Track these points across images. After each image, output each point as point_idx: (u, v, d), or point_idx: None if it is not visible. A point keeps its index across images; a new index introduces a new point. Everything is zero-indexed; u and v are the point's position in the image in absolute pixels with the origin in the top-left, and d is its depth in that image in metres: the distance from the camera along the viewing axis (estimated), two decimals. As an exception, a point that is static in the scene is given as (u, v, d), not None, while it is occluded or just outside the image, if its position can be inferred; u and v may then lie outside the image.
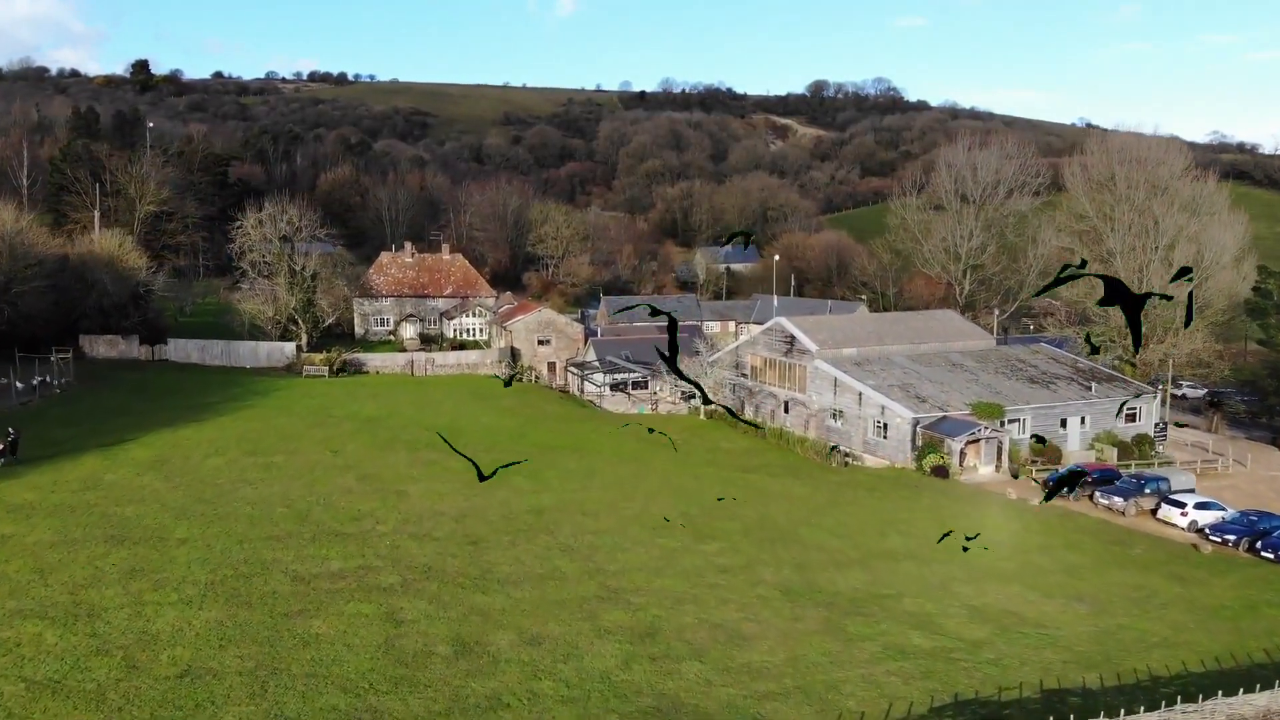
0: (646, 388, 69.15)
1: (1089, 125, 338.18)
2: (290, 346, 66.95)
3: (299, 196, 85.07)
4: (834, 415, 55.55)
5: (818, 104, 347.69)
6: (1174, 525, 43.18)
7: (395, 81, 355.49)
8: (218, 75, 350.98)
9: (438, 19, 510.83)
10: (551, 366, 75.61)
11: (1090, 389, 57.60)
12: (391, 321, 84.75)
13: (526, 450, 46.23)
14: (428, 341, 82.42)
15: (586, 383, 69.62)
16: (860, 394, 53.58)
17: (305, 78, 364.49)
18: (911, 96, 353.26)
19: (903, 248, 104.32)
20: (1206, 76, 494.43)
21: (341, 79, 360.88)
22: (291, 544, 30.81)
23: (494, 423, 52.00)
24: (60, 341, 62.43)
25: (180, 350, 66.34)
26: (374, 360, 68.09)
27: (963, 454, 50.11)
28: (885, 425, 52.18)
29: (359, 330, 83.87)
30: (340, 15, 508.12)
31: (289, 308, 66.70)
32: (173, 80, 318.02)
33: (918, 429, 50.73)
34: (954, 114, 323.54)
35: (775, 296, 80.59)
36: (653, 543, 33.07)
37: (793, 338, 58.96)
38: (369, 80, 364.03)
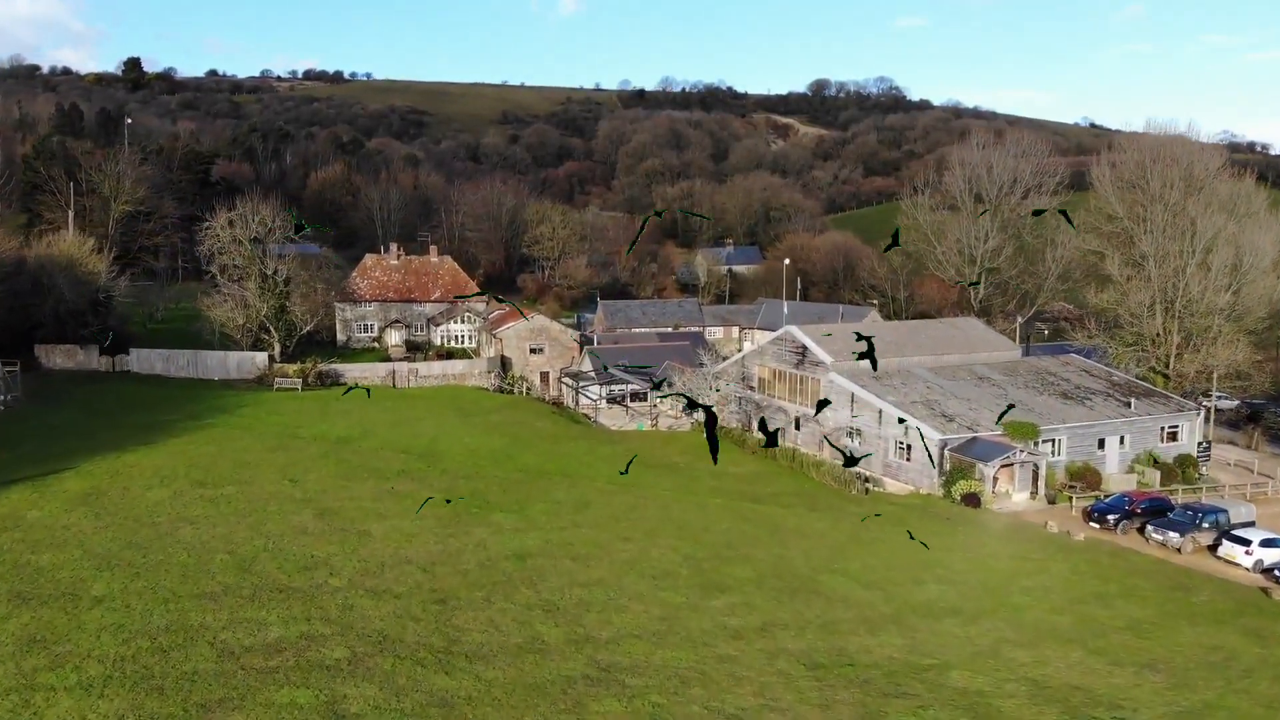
0: (645, 399, 64.39)
1: (1093, 125, 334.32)
2: (261, 357, 62.11)
3: (273, 195, 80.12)
4: (851, 434, 50.78)
5: (819, 103, 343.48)
6: (1237, 565, 38.42)
7: (392, 80, 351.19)
8: (212, 73, 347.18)
9: (438, 18, 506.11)
10: (545, 376, 70.83)
11: (1130, 405, 52.83)
12: (375, 328, 79.94)
13: (513, 476, 41.44)
14: (414, 349, 77.63)
15: (581, 395, 64.85)
16: (880, 411, 48.79)
17: (301, 76, 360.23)
18: (914, 96, 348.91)
19: (914, 249, 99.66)
20: (1207, 77, 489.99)
21: (338, 77, 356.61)
22: (226, 603, 26.06)
23: (478, 443, 47.19)
24: (16, 352, 57.74)
25: (143, 361, 61.50)
26: (352, 371, 63.26)
27: (994, 479, 45.34)
28: (909, 446, 47.39)
29: (341, 337, 79.07)
30: (341, 15, 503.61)
31: (260, 315, 61.81)
32: (165, 78, 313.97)
33: (945, 451, 45.93)
34: (957, 113, 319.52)
35: (785, 302, 75.76)
36: (653, 597, 28.29)
37: (804, 348, 54.21)
38: (365, 79, 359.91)
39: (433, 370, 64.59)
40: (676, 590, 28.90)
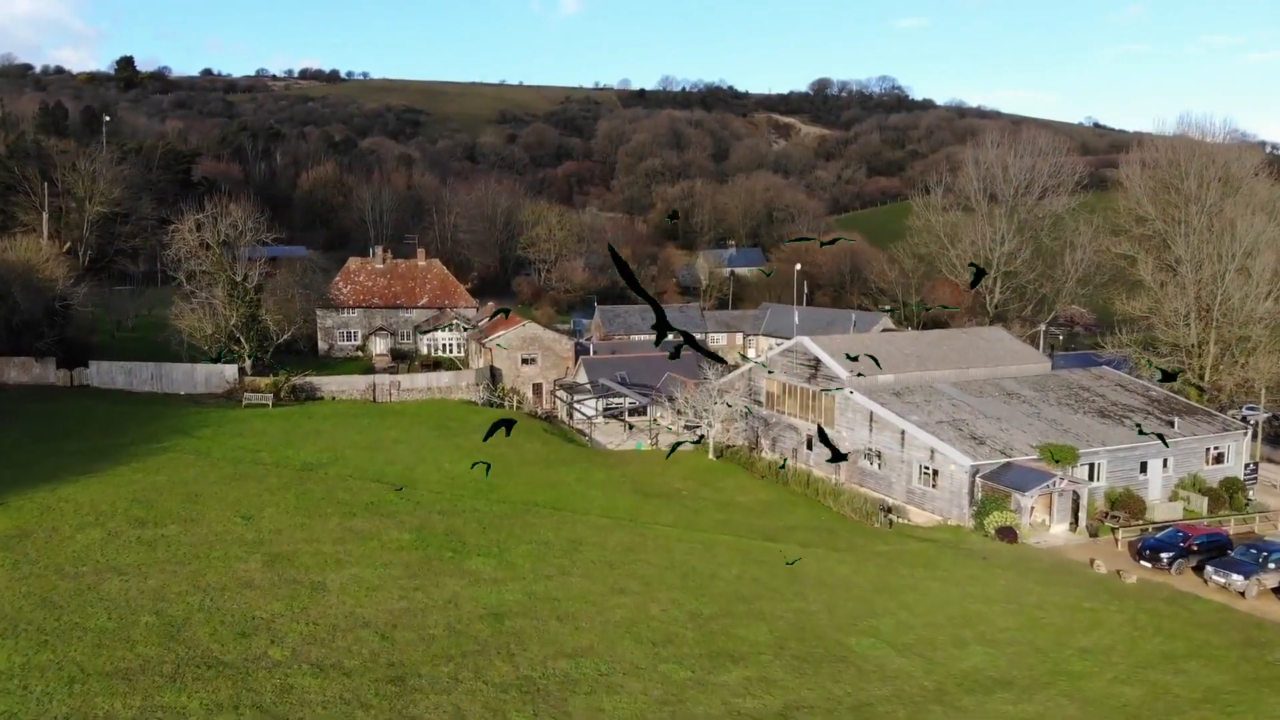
0: (645, 414, 59.95)
1: (1097, 125, 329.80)
2: (231, 369, 57.64)
3: (245, 195, 75.57)
4: (869, 457, 46.33)
5: (821, 102, 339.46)
6: (1313, 611, 33.95)
7: (389, 80, 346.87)
8: (206, 73, 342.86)
9: (437, 17, 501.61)
10: (537, 389, 66.41)
11: (1173, 425, 48.36)
12: (359, 336, 75.49)
13: (494, 510, 36.98)
14: (399, 358, 73.20)
15: (576, 409, 60.43)
16: (903, 433, 44.34)
17: (297, 76, 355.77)
18: (916, 95, 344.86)
19: (925, 252, 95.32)
20: (1209, 77, 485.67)
21: (334, 76, 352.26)
22: (141, 685, 21.68)
23: (459, 469, 42.69)
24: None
25: (104, 375, 57.02)
26: (329, 384, 58.78)
27: (1031, 509, 40.90)
28: (935, 472, 42.94)
29: (322, 346, 74.67)
30: (341, 14, 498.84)
31: (229, 324, 57.31)
32: (158, 77, 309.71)
33: (977, 479, 41.48)
34: (961, 112, 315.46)
35: (795, 309, 71.31)
36: (652, 671, 23.85)
37: (817, 361, 49.75)
38: (362, 78, 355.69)
39: (416, 383, 60.12)
40: (680, 661, 24.46)
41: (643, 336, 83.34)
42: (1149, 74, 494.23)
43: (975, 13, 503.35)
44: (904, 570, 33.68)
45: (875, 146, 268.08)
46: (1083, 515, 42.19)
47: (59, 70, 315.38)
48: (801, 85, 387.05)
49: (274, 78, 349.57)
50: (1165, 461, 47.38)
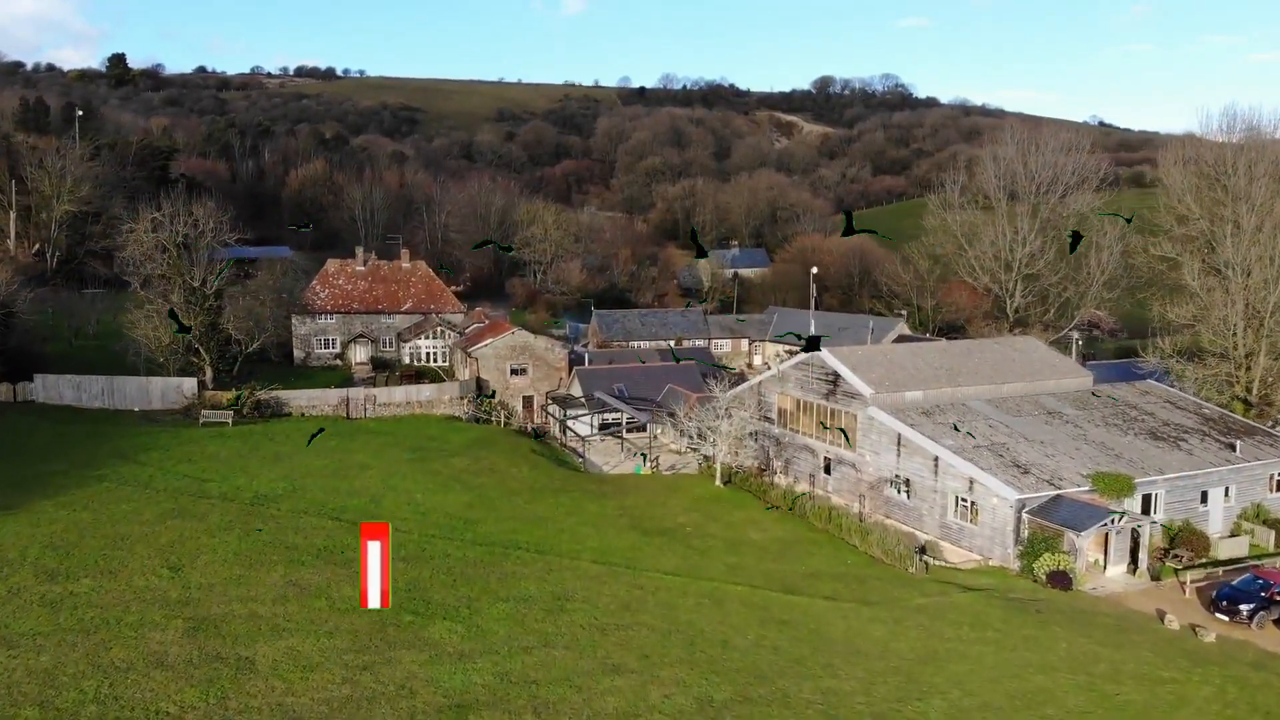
0: (644, 430, 54.78)
1: (1102, 124, 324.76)
2: (189, 383, 52.48)
3: (224, 193, 70.37)
4: (897, 485, 41.19)
5: (824, 100, 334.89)
6: None
7: (385, 77, 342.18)
8: (200, 70, 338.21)
9: (437, 15, 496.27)
10: (528, 402, 61.28)
11: (1234, 448, 43.25)
12: (337, 343, 70.34)
13: (469, 555, 31.81)
14: (380, 367, 68.08)
15: (569, 427, 55.29)
16: (936, 459, 39.20)
17: (293, 73, 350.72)
18: (919, 93, 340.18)
19: (941, 253, 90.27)
20: (1211, 77, 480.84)
21: (330, 74, 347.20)
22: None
23: (432, 502, 37.57)
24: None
25: (51, 389, 51.84)
26: (298, 399, 53.62)
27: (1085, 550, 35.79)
28: (974, 505, 37.81)
29: (298, 354, 69.54)
30: (341, 13, 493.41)
31: (187, 333, 52.16)
32: (151, 75, 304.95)
33: (1023, 514, 36.34)
34: (966, 111, 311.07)
35: (810, 315, 66.09)
36: (653, 790, 18.73)
37: (836, 376, 44.62)
38: (358, 76, 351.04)
39: (394, 397, 54.98)
40: (687, 775, 19.34)
41: (643, 343, 78.25)
42: (1150, 74, 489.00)
43: (976, 13, 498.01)
44: (949, 631, 28.55)
45: (879, 145, 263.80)
46: (1143, 556, 37.06)
47: (50, 68, 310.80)
48: (803, 83, 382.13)
49: (269, 75, 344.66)
50: (1227, 490, 42.30)
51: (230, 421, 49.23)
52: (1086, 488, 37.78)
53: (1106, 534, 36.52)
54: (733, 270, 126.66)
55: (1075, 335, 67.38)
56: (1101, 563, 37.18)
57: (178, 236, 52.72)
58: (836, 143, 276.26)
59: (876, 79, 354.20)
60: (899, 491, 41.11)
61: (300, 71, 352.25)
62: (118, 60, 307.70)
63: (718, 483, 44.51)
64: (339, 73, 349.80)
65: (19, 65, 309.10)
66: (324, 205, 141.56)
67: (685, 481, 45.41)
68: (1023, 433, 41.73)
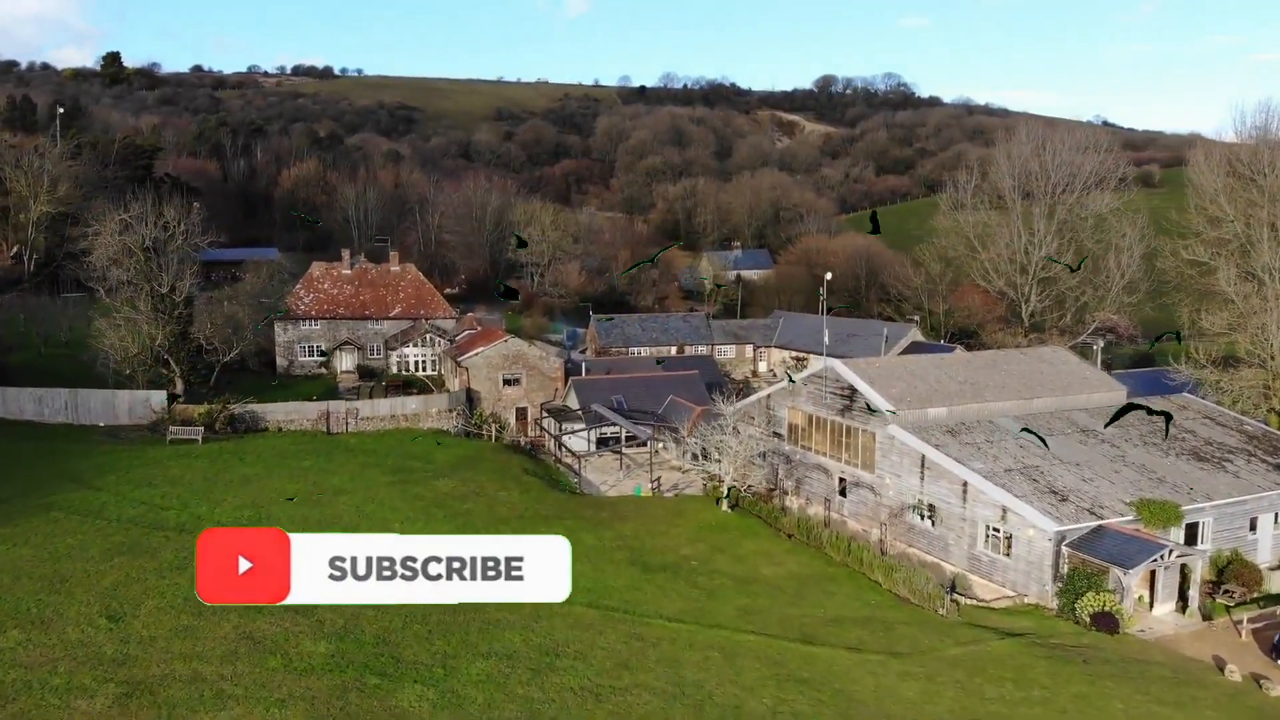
0: (645, 445, 51.30)
1: (1106, 123, 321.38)
2: (158, 397, 49.08)
3: (175, 194, 66.94)
4: (921, 512, 37.79)
5: (825, 100, 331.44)
6: None
7: (383, 76, 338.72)
8: (196, 69, 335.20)
9: (437, 14, 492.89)
10: (521, 414, 57.89)
11: (1285, 469, 39.87)
12: (322, 350, 66.93)
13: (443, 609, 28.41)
14: (367, 376, 64.76)
15: (564, 442, 51.88)
16: (965, 484, 35.81)
17: (289, 72, 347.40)
18: (922, 92, 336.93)
19: (954, 255, 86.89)
20: (1213, 76, 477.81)
21: (327, 73, 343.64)
22: None
23: (413, 532, 34.10)
24: None
25: (12, 402, 48.40)
26: (275, 413, 50.22)
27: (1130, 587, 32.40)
28: (1007, 536, 34.40)
29: (281, 362, 66.17)
30: (340, 12, 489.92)
31: (153, 343, 48.73)
32: (146, 74, 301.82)
33: (1063, 547, 32.95)
34: (969, 110, 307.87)
35: (825, 320, 62.70)
36: None
37: (852, 390, 41.23)
38: (356, 75, 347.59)
39: (378, 410, 51.60)
40: None
41: (643, 350, 74.91)
42: (1152, 73, 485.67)
43: (976, 13, 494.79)
44: (990, 690, 25.16)
45: (882, 144, 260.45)
46: (1193, 592, 33.67)
47: (45, 66, 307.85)
48: (805, 82, 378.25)
49: (265, 74, 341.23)
50: (1276, 516, 38.89)
51: (200, 439, 45.80)
52: (1130, 517, 34.40)
53: (1153, 569, 33.12)
54: (735, 272, 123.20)
55: (1098, 343, 63.70)
56: (1145, 598, 33.79)
57: (144, 240, 49.32)
58: (839, 142, 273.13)
59: (879, 78, 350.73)
60: (923, 518, 37.71)
61: (297, 70, 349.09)
62: (112, 59, 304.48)
63: (724, 507, 41.14)
64: (336, 72, 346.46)
65: (13, 64, 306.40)
66: (317, 206, 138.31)
67: (689, 505, 41.97)
68: (1057, 454, 38.32)
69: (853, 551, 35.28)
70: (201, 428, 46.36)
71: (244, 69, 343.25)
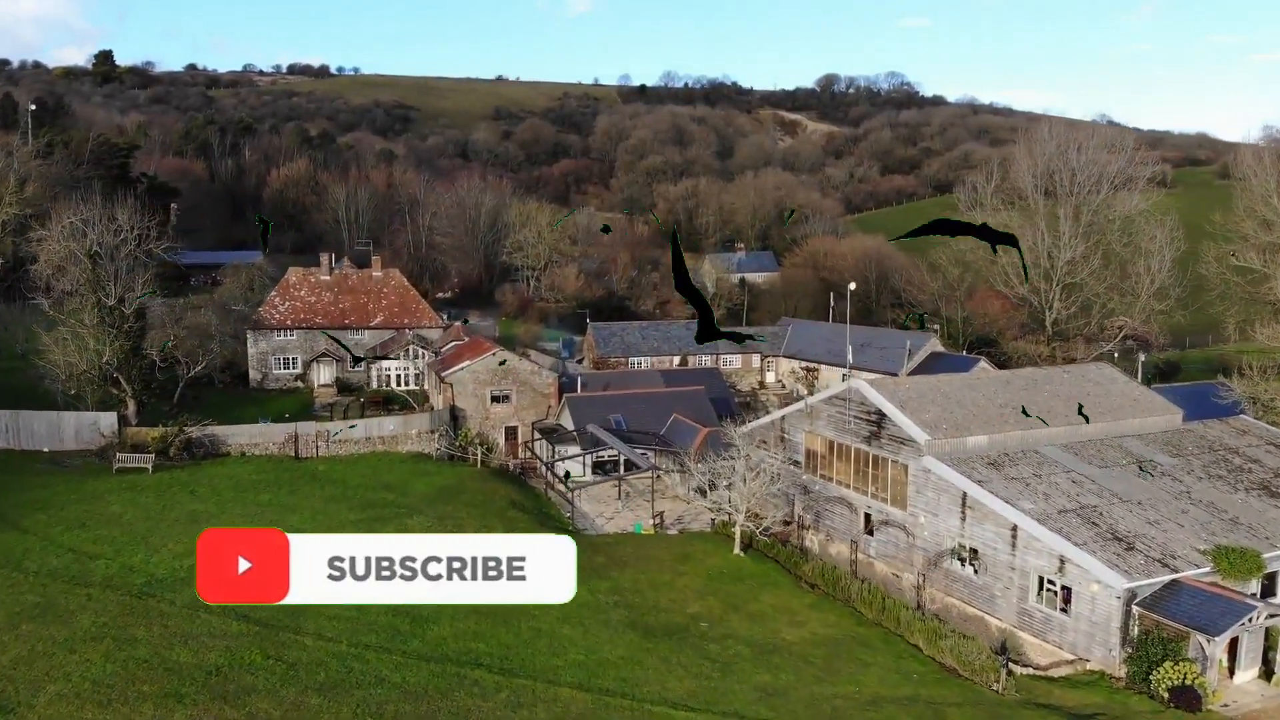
0: (647, 469, 46.55)
1: (1110, 123, 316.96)
2: (107, 419, 44.40)
3: (131, 194, 62.15)
4: (961, 556, 33.13)
5: (828, 99, 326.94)
6: None
7: (380, 75, 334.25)
8: (190, 67, 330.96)
9: (437, 13, 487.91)
10: (511, 434, 53.25)
11: (1370, 505, 35.16)
12: (299, 363, 62.29)
13: (408, 681, 23.73)
14: (347, 390, 60.14)
15: (555, 475, 47.17)
16: (1015, 529, 31.16)
17: (285, 70, 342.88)
18: (925, 92, 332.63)
19: (971, 258, 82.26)
20: (1211, 77, 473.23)
21: (323, 72, 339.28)
22: None
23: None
24: None
25: (-52, 424, 43.87)
26: (238, 436, 45.52)
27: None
28: (1066, 591, 29.74)
29: (254, 375, 61.51)
30: (338, 11, 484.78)
31: (101, 360, 44.01)
32: (139, 72, 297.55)
33: (1133, 607, 28.29)
34: (974, 109, 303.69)
35: (848, 330, 57.92)
36: None
37: (881, 415, 36.60)
38: (352, 73, 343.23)
39: (352, 433, 46.93)
40: None
41: (644, 361, 70.29)
42: (1153, 74, 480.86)
43: (977, 13, 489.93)
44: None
45: (886, 144, 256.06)
46: (1277, 657, 29.02)
47: (37, 65, 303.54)
48: (807, 81, 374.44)
49: (261, 73, 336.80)
50: (1359, 559, 34.21)
51: (150, 467, 41.11)
52: (1206, 569, 29.76)
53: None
54: (739, 275, 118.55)
55: (1139, 355, 59.01)
56: (1224, 663, 29.14)
57: (91, 245, 44.68)
58: (842, 142, 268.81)
59: (882, 77, 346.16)
60: (963, 564, 33.06)
61: (293, 69, 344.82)
62: (104, 57, 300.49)
63: (737, 550, 36.44)
64: (333, 70, 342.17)
65: (4, 63, 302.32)
66: (306, 206, 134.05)
67: (696, 546, 37.26)
68: (1114, 490, 33.67)
69: (888, 609, 30.62)
70: (153, 455, 41.65)
71: (239, 68, 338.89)
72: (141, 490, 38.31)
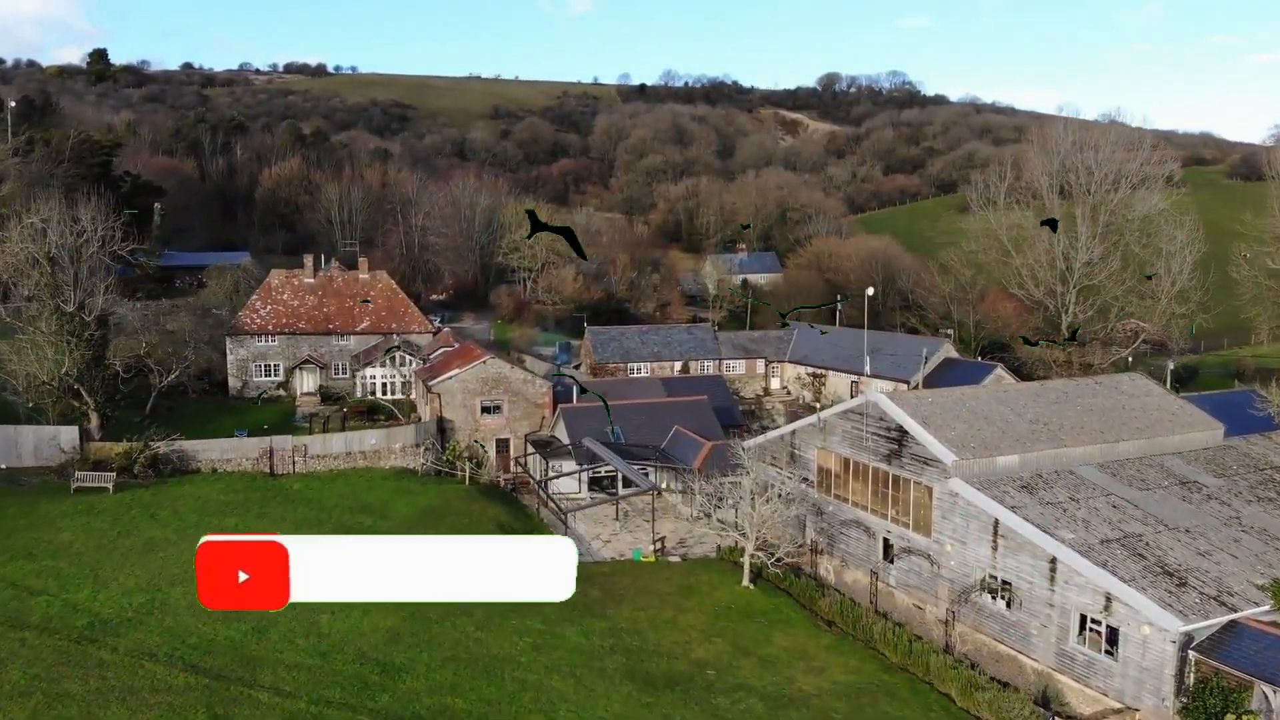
0: (648, 489, 43.50)
1: (1113, 122, 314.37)
2: (68, 434, 41.44)
3: (94, 193, 59.06)
4: (993, 590, 30.14)
5: (830, 98, 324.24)
6: None
7: (377, 74, 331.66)
8: (186, 66, 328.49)
9: (436, 12, 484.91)
10: (503, 447, 50.26)
11: None
12: (281, 370, 59.30)
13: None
14: (331, 399, 57.18)
15: (548, 494, 44.16)
16: (1054, 561, 28.18)
17: (281, 69, 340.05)
18: (927, 91, 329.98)
19: (983, 259, 79.40)
20: (1212, 77, 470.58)
21: (320, 70, 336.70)
22: None
23: (344, 627, 26.43)
24: None
25: (-105, 438, 40.87)
26: (209, 452, 42.54)
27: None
28: (1113, 632, 26.75)
29: (234, 384, 58.55)
30: (337, 10, 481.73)
31: (60, 371, 41.03)
32: (133, 71, 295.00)
33: (1189, 652, 25.31)
34: (977, 108, 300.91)
35: (865, 336, 54.85)
36: None
37: (902, 432, 33.62)
38: (350, 72, 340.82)
39: (331, 447, 43.91)
40: None
41: (644, 367, 67.33)
42: (1153, 74, 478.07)
43: (977, 13, 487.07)
44: None
45: (888, 143, 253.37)
46: (1354, 705, 25.99)
47: (30, 64, 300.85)
48: (808, 80, 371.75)
49: (257, 71, 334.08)
50: None
51: (111, 486, 38.15)
52: (1266, 607, 26.78)
53: (1306, 677, 25.48)
54: (741, 277, 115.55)
55: (1168, 362, 56.05)
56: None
57: (50, 248, 41.74)
58: (844, 141, 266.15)
59: (883, 76, 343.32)
60: (995, 599, 30.07)
61: (290, 68, 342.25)
62: (98, 56, 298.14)
63: (745, 581, 33.44)
64: (330, 69, 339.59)
65: None
66: (299, 206, 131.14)
67: (701, 576, 34.23)
68: (1159, 516, 30.69)
69: (914, 653, 27.61)
70: (114, 473, 38.70)
71: (235, 67, 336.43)
72: (98, 514, 35.27)
